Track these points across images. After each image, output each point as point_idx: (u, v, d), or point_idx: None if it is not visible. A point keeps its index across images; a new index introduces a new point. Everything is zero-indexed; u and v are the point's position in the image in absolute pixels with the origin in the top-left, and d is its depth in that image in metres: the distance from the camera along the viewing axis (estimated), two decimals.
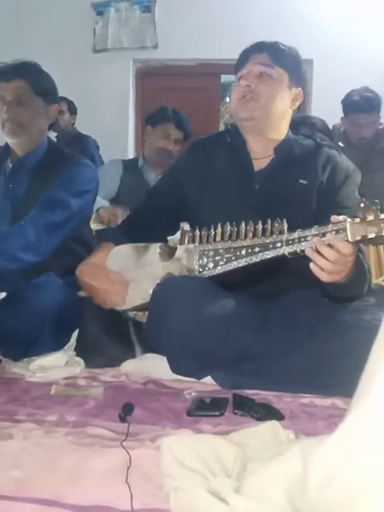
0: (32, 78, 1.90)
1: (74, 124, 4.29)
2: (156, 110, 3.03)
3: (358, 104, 3.07)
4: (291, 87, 1.71)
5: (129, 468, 1.05)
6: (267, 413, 1.34)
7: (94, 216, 2.60)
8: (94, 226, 2.40)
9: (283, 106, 1.70)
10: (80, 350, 1.76)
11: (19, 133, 1.90)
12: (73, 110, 4.22)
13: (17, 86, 1.88)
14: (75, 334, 1.80)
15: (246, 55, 1.73)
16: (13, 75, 1.88)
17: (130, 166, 3.08)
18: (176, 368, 1.58)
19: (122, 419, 1.30)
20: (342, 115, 3.21)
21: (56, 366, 1.67)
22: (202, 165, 1.76)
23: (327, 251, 1.33)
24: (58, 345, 1.76)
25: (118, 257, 1.74)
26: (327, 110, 3.52)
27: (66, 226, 1.86)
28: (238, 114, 1.71)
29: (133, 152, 4.86)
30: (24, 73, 1.89)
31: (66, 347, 1.79)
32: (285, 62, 1.70)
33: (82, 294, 1.76)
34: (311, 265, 1.36)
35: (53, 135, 4.11)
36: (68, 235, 1.88)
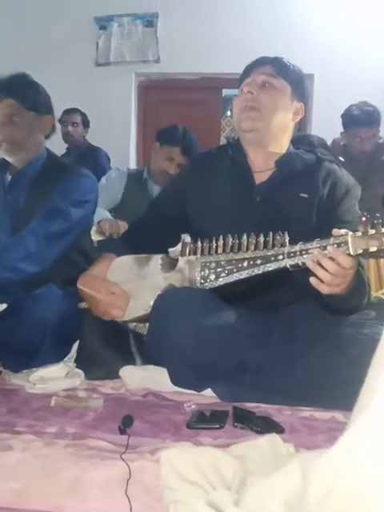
0: (21, 95, 1.89)
1: (85, 136, 4.31)
2: (168, 128, 2.99)
3: (358, 118, 3.09)
4: (293, 100, 1.72)
5: (128, 480, 1.05)
6: (267, 426, 1.34)
7: (95, 228, 2.61)
8: (96, 237, 2.40)
9: (285, 118, 1.71)
10: (80, 362, 1.75)
11: (16, 150, 1.91)
12: (86, 122, 4.25)
13: (7, 105, 1.88)
14: (75, 346, 1.80)
15: (251, 67, 1.75)
16: (1, 95, 1.88)
17: (134, 177, 3.09)
18: (176, 380, 1.58)
19: (122, 431, 1.30)
20: (342, 130, 3.23)
21: (56, 377, 1.66)
22: (203, 177, 1.77)
23: (328, 264, 1.34)
24: (58, 356, 1.76)
25: (120, 268, 1.75)
26: (328, 124, 3.55)
27: (66, 236, 1.87)
28: (240, 125, 1.72)
29: (135, 164, 4.89)
30: (12, 91, 1.88)
31: (66, 359, 1.79)
32: (288, 74, 1.72)
33: (82, 305, 1.77)
34: (311, 278, 1.37)
35: (64, 147, 4.14)
36: (68, 245, 1.88)
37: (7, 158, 1.94)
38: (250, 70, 1.75)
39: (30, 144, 1.93)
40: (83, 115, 4.21)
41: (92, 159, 3.81)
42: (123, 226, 2.67)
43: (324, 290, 1.38)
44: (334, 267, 1.34)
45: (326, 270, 1.35)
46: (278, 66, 1.72)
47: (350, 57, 4.47)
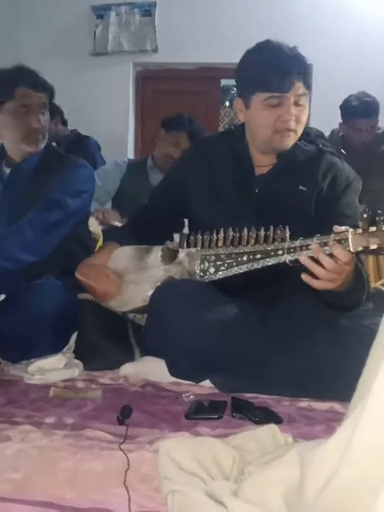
0: (49, 89, 1.94)
1: (69, 130, 4.22)
2: (173, 116, 3.04)
3: (356, 109, 3.08)
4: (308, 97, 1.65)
5: (127, 471, 1.06)
6: (265, 416, 1.34)
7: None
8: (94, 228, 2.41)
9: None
10: (79, 353, 1.76)
11: (42, 141, 1.94)
12: (64, 121, 4.16)
13: (43, 96, 1.92)
14: (74, 337, 1.81)
15: (280, 81, 1.55)
16: (41, 85, 1.91)
17: (135, 167, 3.10)
18: (174, 371, 1.58)
19: (121, 422, 1.30)
20: (341, 120, 3.21)
21: (55, 368, 1.67)
22: (203, 166, 1.75)
23: (326, 260, 1.33)
24: (56, 347, 1.76)
25: (121, 257, 1.75)
26: (326, 115, 3.53)
27: (63, 226, 1.88)
28: (271, 143, 1.64)
29: (133, 155, 4.87)
30: (46, 85, 1.93)
31: (64, 349, 1.79)
32: (310, 81, 1.64)
33: (82, 296, 1.77)
34: (303, 275, 1.36)
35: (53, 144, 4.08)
36: (66, 235, 1.88)
37: (30, 149, 1.92)
38: (284, 80, 1.56)
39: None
40: (61, 113, 4.04)
41: (82, 148, 3.78)
42: (114, 216, 2.70)
43: (316, 285, 1.37)
44: (331, 264, 1.33)
45: (323, 267, 1.34)
46: (306, 80, 1.61)
47: (348, 47, 4.45)
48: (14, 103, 1.88)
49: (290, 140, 1.64)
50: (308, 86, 1.62)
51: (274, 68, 1.57)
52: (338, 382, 1.38)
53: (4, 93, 1.88)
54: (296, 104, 1.60)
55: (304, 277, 1.37)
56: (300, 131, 1.65)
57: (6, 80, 1.89)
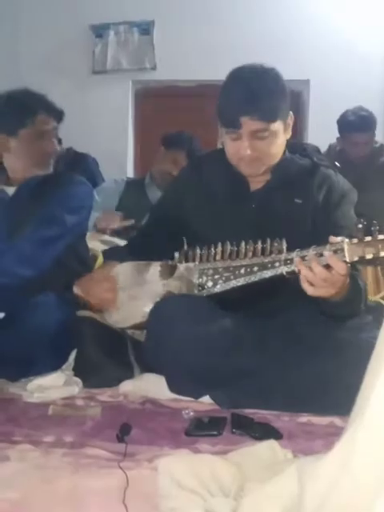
0: (62, 114, 1.98)
1: (63, 148, 4.25)
2: (174, 133, 3.08)
3: (353, 123, 3.10)
4: (285, 119, 1.63)
5: (126, 489, 1.05)
6: (265, 432, 1.33)
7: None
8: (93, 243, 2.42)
9: (282, 144, 1.66)
10: (78, 370, 1.75)
11: (52, 164, 1.96)
12: (59, 139, 4.19)
13: (56, 121, 1.94)
14: (73, 354, 1.80)
15: (234, 116, 1.56)
16: (56, 111, 1.94)
17: (133, 185, 3.12)
18: (174, 387, 1.58)
19: (120, 439, 1.29)
20: (338, 135, 3.24)
21: (54, 386, 1.66)
22: (200, 183, 1.76)
23: (319, 269, 1.35)
24: (55, 365, 1.75)
25: (120, 274, 1.75)
26: (324, 129, 3.55)
27: (60, 241, 1.87)
28: (240, 169, 1.66)
29: (132, 172, 4.89)
30: (59, 110, 1.97)
31: (63, 367, 1.78)
32: (279, 112, 1.57)
33: (81, 313, 1.77)
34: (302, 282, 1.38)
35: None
36: (63, 250, 1.88)
37: (41, 173, 1.94)
38: (233, 118, 1.56)
39: None
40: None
41: (81, 166, 3.80)
42: (115, 218, 2.72)
43: (309, 291, 1.38)
44: (324, 274, 1.34)
45: (315, 274, 1.35)
46: (264, 112, 1.54)
47: (345, 62, 4.48)
48: (31, 130, 1.88)
49: (257, 168, 1.65)
50: (271, 118, 1.56)
51: (224, 107, 1.61)
52: (338, 397, 1.37)
53: (23, 120, 1.88)
54: (255, 138, 1.57)
55: (302, 283, 1.38)
56: (269, 159, 1.64)
57: (26, 107, 1.89)
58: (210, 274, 1.57)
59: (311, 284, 1.37)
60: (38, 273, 1.79)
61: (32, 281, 1.78)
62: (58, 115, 1.95)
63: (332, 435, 1.32)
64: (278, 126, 1.59)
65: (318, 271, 1.35)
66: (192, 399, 1.57)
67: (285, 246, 1.47)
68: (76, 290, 1.73)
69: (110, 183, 3.24)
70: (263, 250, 1.50)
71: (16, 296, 1.76)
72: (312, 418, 1.46)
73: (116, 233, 2.81)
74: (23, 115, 1.88)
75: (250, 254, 1.52)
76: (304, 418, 1.46)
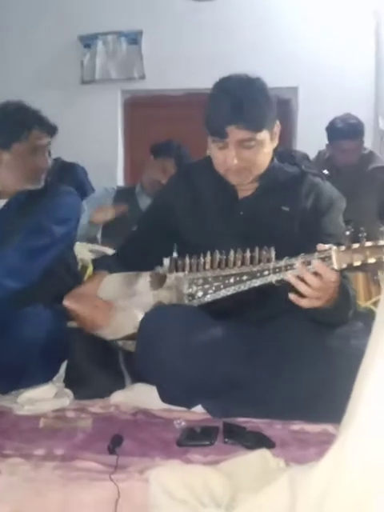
0: (56, 129, 1.99)
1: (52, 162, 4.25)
2: (162, 142, 3.11)
3: (342, 131, 3.12)
4: (272, 128, 1.64)
5: (117, 501, 1.04)
6: (257, 441, 1.33)
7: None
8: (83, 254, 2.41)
9: (268, 153, 1.67)
10: (69, 382, 1.74)
11: (43, 179, 1.96)
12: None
13: (49, 136, 1.95)
14: (64, 365, 1.79)
15: (221, 125, 1.58)
16: (50, 127, 1.95)
17: (124, 193, 3.14)
18: (166, 397, 1.57)
19: (111, 451, 1.29)
20: (327, 142, 3.26)
21: (45, 398, 1.65)
22: (188, 191, 1.77)
23: (310, 278, 1.36)
24: (46, 377, 1.74)
25: (110, 285, 1.74)
26: (313, 136, 3.57)
27: (48, 252, 1.86)
28: (228, 178, 1.67)
29: (123, 181, 4.89)
30: (53, 125, 1.97)
31: (54, 379, 1.77)
32: (264, 121, 1.59)
33: (72, 324, 1.76)
34: (291, 295, 1.38)
35: None
36: (51, 261, 1.88)
37: (33, 187, 1.94)
38: (219, 127, 1.58)
39: None
40: None
41: (70, 176, 3.80)
42: (111, 210, 2.79)
43: (303, 304, 1.39)
44: (315, 282, 1.35)
45: (308, 285, 1.36)
46: (250, 122, 1.56)
47: (333, 69, 4.51)
48: (25, 144, 1.88)
49: (243, 178, 1.66)
50: (257, 127, 1.57)
51: (211, 116, 1.63)
52: (331, 404, 1.36)
53: (18, 134, 1.88)
54: (241, 147, 1.59)
55: (291, 297, 1.38)
56: (256, 169, 1.65)
57: (20, 122, 1.88)
58: (200, 283, 1.57)
59: (303, 296, 1.37)
60: (27, 284, 1.78)
61: (21, 292, 1.77)
62: (52, 131, 1.95)
63: (325, 443, 1.30)
64: (264, 135, 1.61)
65: (309, 279, 1.35)
66: (184, 409, 1.56)
67: (273, 254, 1.47)
68: (66, 303, 1.72)
69: (100, 192, 3.25)
70: (252, 258, 1.50)
71: (5, 308, 1.75)
72: (305, 425, 1.45)
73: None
74: (18, 129, 1.88)
75: (239, 262, 1.52)
76: (297, 426, 1.46)
